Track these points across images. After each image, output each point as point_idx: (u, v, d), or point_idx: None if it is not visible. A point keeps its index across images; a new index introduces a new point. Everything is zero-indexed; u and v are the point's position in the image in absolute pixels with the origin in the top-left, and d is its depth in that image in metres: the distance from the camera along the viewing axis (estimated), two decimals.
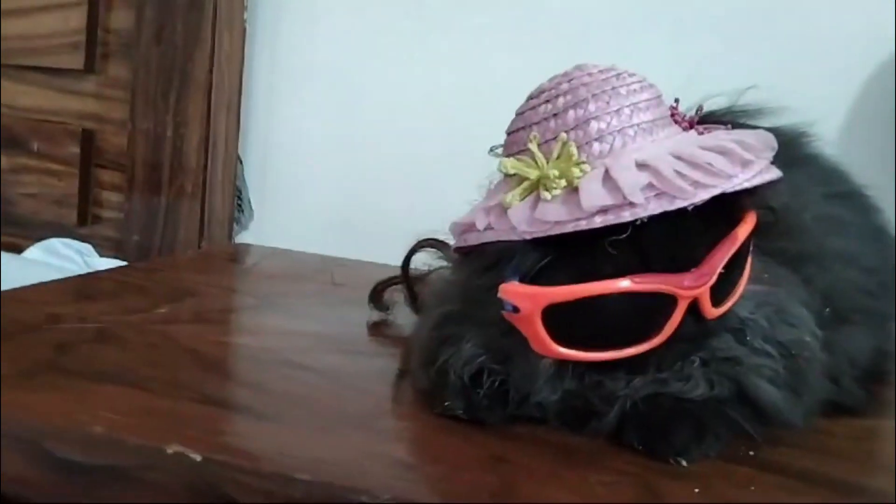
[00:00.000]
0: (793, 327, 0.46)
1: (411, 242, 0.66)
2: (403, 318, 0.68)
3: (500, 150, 0.59)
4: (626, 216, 0.40)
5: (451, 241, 0.64)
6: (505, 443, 0.44)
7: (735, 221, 0.44)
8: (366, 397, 0.52)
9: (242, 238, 1.01)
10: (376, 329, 0.68)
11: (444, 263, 0.65)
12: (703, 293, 0.42)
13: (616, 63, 0.48)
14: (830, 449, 0.47)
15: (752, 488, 0.41)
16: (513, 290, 0.42)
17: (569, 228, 0.41)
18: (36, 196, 1.04)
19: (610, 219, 0.40)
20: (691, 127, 0.48)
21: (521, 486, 0.40)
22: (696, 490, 0.40)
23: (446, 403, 0.47)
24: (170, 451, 0.40)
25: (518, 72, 0.89)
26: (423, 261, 0.67)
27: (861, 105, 0.81)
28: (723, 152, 0.43)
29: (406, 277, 0.66)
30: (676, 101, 0.49)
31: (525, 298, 0.42)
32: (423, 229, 0.65)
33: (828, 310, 0.49)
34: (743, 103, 0.57)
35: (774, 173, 0.44)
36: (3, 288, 0.66)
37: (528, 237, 0.42)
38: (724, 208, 0.43)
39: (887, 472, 0.44)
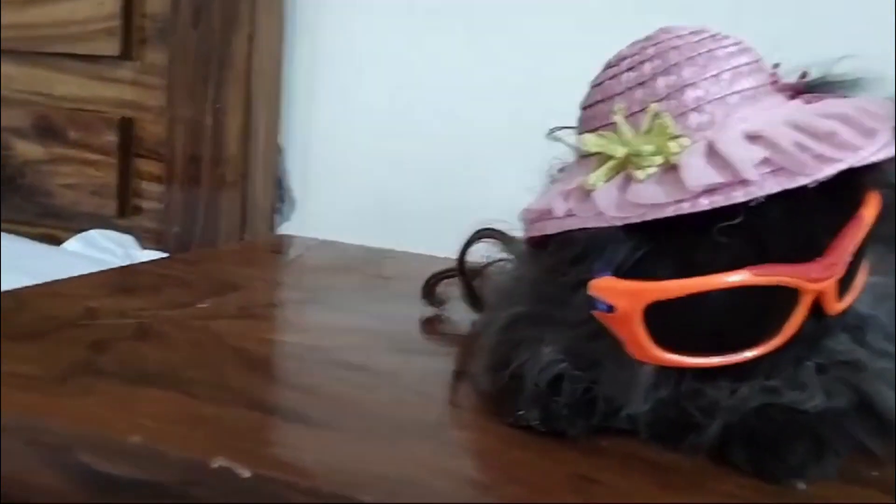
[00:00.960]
0: None
1: (463, 233, 0.61)
2: (459, 314, 0.64)
3: (560, 133, 0.54)
4: (739, 196, 0.34)
5: (512, 231, 0.60)
6: (590, 459, 0.39)
7: (857, 202, 0.38)
8: (426, 403, 0.47)
9: (285, 229, 0.98)
10: (430, 326, 0.63)
11: (506, 256, 0.60)
12: (830, 286, 0.36)
13: None
14: None
15: None
16: (607, 287, 0.37)
17: (669, 212, 0.35)
18: (74, 187, 1.01)
19: (718, 200, 0.35)
20: (796, 95, 0.42)
21: None
22: None
23: (520, 412, 0.41)
24: (215, 465, 0.36)
25: (571, 53, 0.86)
26: (481, 253, 0.62)
27: None
28: (845, 121, 0.37)
29: (462, 271, 0.61)
30: (776, 66, 0.43)
31: (623, 295, 0.37)
32: (475, 219, 0.61)
33: None
34: (837, 73, 0.51)
35: None
36: (41, 281, 0.63)
37: (619, 223, 0.37)
38: (845, 187, 0.37)
39: None
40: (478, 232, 0.60)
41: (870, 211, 0.38)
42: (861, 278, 0.40)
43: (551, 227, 0.40)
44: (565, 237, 0.39)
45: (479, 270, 0.62)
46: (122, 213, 1.00)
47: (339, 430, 0.41)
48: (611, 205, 0.37)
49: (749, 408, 0.38)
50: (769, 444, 0.38)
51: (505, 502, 0.35)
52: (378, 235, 0.90)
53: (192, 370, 0.48)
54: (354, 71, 0.95)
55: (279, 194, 0.97)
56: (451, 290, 0.65)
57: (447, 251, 0.78)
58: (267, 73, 0.92)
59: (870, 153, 0.36)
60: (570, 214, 0.39)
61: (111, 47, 0.97)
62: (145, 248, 0.96)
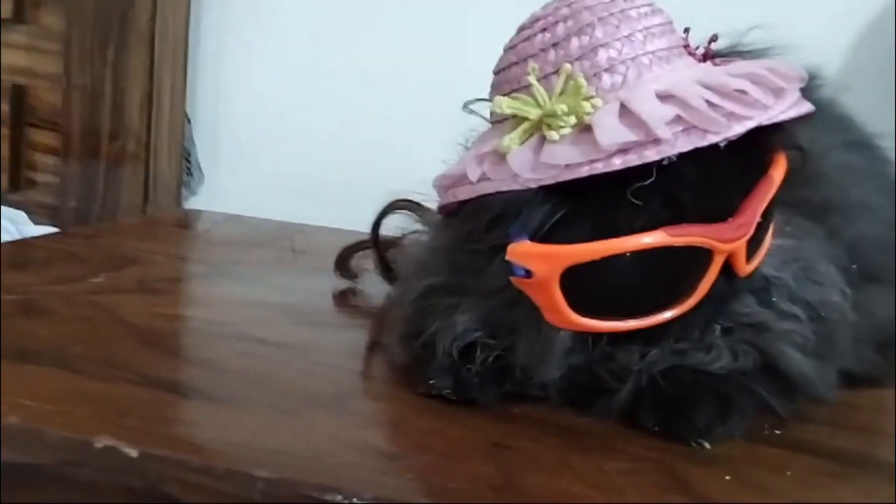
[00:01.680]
0: (820, 286, 0.41)
1: (379, 205, 0.59)
2: (373, 286, 0.62)
3: (476, 105, 0.53)
4: (651, 155, 0.34)
5: (427, 202, 0.58)
6: (502, 426, 0.38)
7: (766, 163, 0.38)
8: (335, 375, 0.45)
9: (192, 204, 0.93)
10: (343, 299, 0.61)
11: (420, 227, 0.58)
12: (741, 247, 0.36)
13: None
14: (861, 425, 0.42)
15: (789, 473, 0.36)
16: (525, 251, 0.36)
17: (584, 172, 0.35)
18: None
19: (632, 159, 0.34)
20: (706, 59, 0.42)
21: (526, 477, 0.34)
22: (728, 477, 0.35)
23: (431, 381, 0.40)
24: (99, 444, 0.33)
25: (490, 24, 0.85)
26: (396, 225, 0.61)
27: (861, 51, 0.76)
28: (755, 80, 0.36)
29: (376, 242, 0.59)
30: (687, 30, 0.43)
31: (540, 260, 0.36)
32: (390, 193, 0.59)
33: (854, 266, 0.43)
34: (748, 42, 0.51)
35: (807, 106, 0.38)
36: None
37: (533, 185, 0.36)
38: (754, 147, 0.37)
39: None
40: (392, 203, 0.58)
41: (778, 171, 0.38)
42: (768, 241, 0.40)
43: (464, 193, 0.38)
44: (480, 202, 0.38)
45: (394, 242, 0.60)
46: (14, 186, 0.93)
47: (242, 406, 0.39)
48: (525, 167, 0.36)
49: (657, 370, 0.38)
50: (677, 406, 0.38)
51: (414, 471, 0.33)
52: (291, 210, 0.87)
53: (80, 346, 0.44)
54: (267, 36, 0.91)
55: (185, 167, 0.93)
56: (365, 262, 0.63)
57: (362, 225, 0.76)
58: (172, 36, 0.87)
59: (779, 111, 0.36)
60: (484, 178, 0.37)
61: (3, 9, 0.90)
62: (38, 223, 0.90)
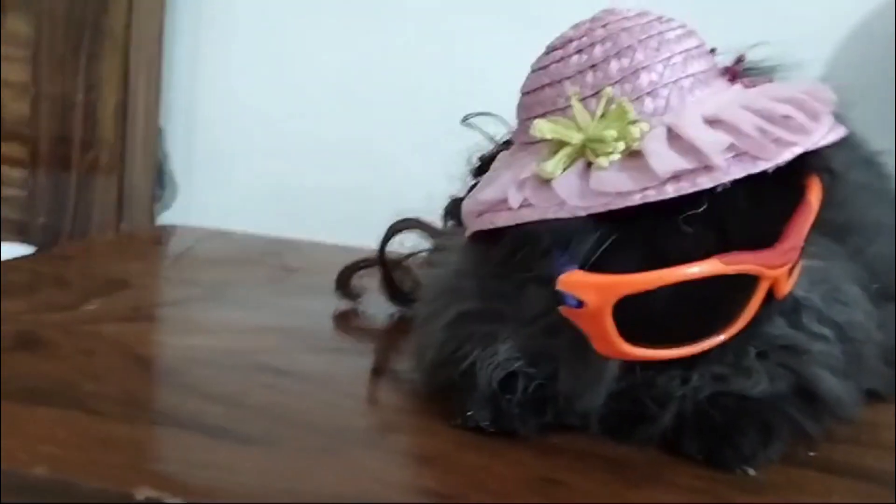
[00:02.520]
0: (847, 306, 0.41)
1: (368, 220, 0.57)
2: (375, 307, 0.61)
3: (474, 120, 0.52)
4: (705, 182, 0.34)
5: (433, 220, 0.57)
6: (547, 460, 0.37)
7: (803, 187, 0.38)
8: (363, 407, 0.44)
9: (164, 218, 0.90)
10: (346, 321, 0.60)
11: (430, 246, 0.57)
12: (785, 272, 0.37)
13: None
14: (886, 443, 0.42)
15: (835, 497, 0.36)
16: (577, 281, 0.35)
17: (636, 200, 0.34)
18: None
19: (685, 186, 0.34)
20: (734, 79, 0.42)
21: None
22: None
23: (469, 413, 0.39)
24: (140, 497, 0.31)
25: (480, 36, 0.84)
26: (399, 243, 0.59)
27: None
28: (798, 105, 0.36)
29: (384, 262, 0.58)
30: (713, 50, 0.43)
31: (593, 290, 0.35)
32: (379, 206, 0.58)
33: (876, 286, 0.44)
34: (756, 59, 0.52)
35: (843, 130, 0.39)
36: None
37: (583, 213, 0.35)
38: (793, 172, 0.37)
39: None
40: (399, 222, 0.57)
41: (815, 195, 0.38)
42: (798, 262, 0.40)
43: (504, 219, 0.37)
44: (524, 229, 0.37)
45: (399, 262, 0.59)
46: None
47: (277, 446, 0.37)
48: (573, 194, 0.35)
49: (701, 396, 0.38)
50: (721, 433, 0.38)
51: None
52: (274, 224, 0.85)
53: (90, 384, 0.42)
54: (243, 45, 0.88)
55: (159, 180, 0.90)
56: (366, 281, 0.62)
57: (350, 239, 0.75)
58: (146, 45, 0.84)
59: (820, 136, 0.36)
60: (526, 205, 0.36)
61: None
62: (4, 241, 0.86)
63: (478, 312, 0.41)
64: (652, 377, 0.38)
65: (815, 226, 0.42)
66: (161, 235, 0.85)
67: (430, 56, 0.85)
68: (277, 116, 0.89)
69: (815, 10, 0.78)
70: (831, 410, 0.40)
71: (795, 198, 0.38)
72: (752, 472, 0.37)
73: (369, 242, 0.61)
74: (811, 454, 0.39)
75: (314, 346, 0.52)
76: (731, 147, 0.34)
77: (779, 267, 0.36)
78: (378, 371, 0.50)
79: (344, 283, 0.62)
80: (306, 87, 0.88)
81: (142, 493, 0.31)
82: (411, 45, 0.85)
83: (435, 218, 0.57)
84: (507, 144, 0.45)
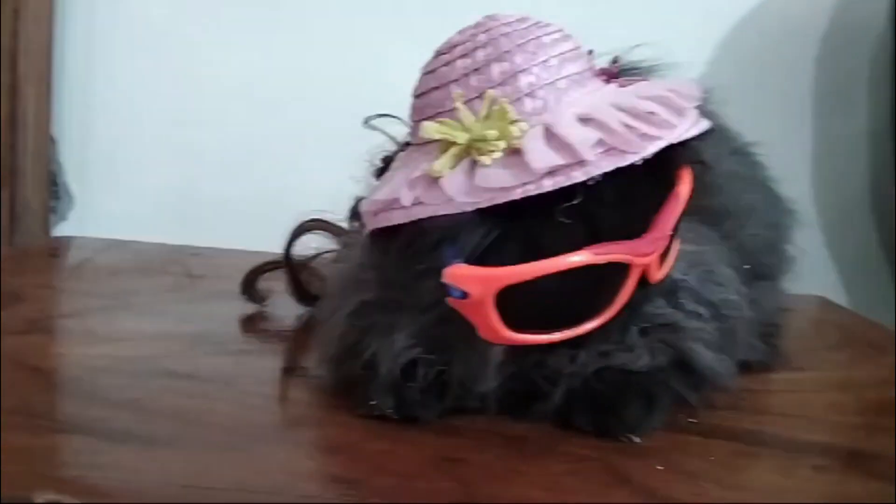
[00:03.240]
0: (721, 286, 0.45)
1: (271, 225, 0.58)
2: (282, 309, 0.61)
3: (376, 122, 0.54)
4: (579, 176, 0.36)
5: (339, 221, 0.59)
6: (449, 441, 0.39)
7: (673, 178, 0.42)
8: (269, 404, 0.44)
9: (61, 230, 0.88)
10: (253, 324, 0.60)
11: (336, 246, 0.58)
12: (655, 259, 0.40)
13: None
14: (760, 407, 0.47)
15: (712, 458, 0.39)
16: (461, 274, 0.37)
17: (517, 194, 0.36)
18: None
19: (561, 180, 0.36)
20: (610, 79, 0.45)
21: (483, 488, 0.35)
22: (660, 467, 0.38)
23: (373, 402, 0.41)
24: (40, 500, 0.31)
25: (378, 35, 0.85)
26: (305, 245, 0.60)
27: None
28: (661, 101, 0.39)
29: (290, 263, 0.59)
30: (590, 52, 0.46)
31: (476, 282, 0.37)
32: (283, 211, 0.59)
33: (747, 267, 0.48)
34: (633, 60, 0.55)
35: (705, 123, 0.42)
36: None
37: (469, 208, 0.37)
38: (662, 165, 0.40)
39: (823, 426, 0.44)
40: (304, 223, 0.58)
41: (685, 187, 0.41)
42: (675, 247, 0.44)
43: (399, 217, 0.39)
44: (417, 226, 0.38)
45: (305, 263, 0.60)
46: None
47: (179, 446, 0.38)
48: (460, 191, 0.37)
49: (588, 372, 0.41)
50: (607, 405, 0.41)
51: (378, 494, 0.34)
52: (173, 232, 0.84)
53: None
54: (138, 51, 0.87)
55: (53, 191, 0.87)
56: (272, 284, 0.62)
57: (254, 244, 0.75)
58: (35, 53, 0.81)
59: (683, 130, 0.39)
60: (418, 203, 0.38)
61: None
62: None
63: (378, 302, 0.42)
64: (542, 358, 0.41)
65: (692, 212, 0.45)
66: (57, 248, 0.82)
67: (330, 60, 0.86)
68: (175, 123, 0.88)
69: (692, 13, 0.84)
70: (708, 381, 0.44)
71: (665, 190, 0.41)
72: (637, 439, 0.40)
73: (275, 247, 0.61)
74: (692, 421, 0.43)
75: (220, 350, 0.52)
76: (600, 142, 0.37)
77: (648, 255, 0.39)
78: (286, 370, 0.51)
79: (249, 286, 0.62)
80: (204, 93, 0.87)
81: (42, 496, 0.31)
82: (311, 50, 0.86)
83: (341, 220, 0.58)
84: (407, 145, 0.47)
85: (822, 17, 0.85)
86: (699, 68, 0.83)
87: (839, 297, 0.85)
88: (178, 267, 0.73)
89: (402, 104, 0.46)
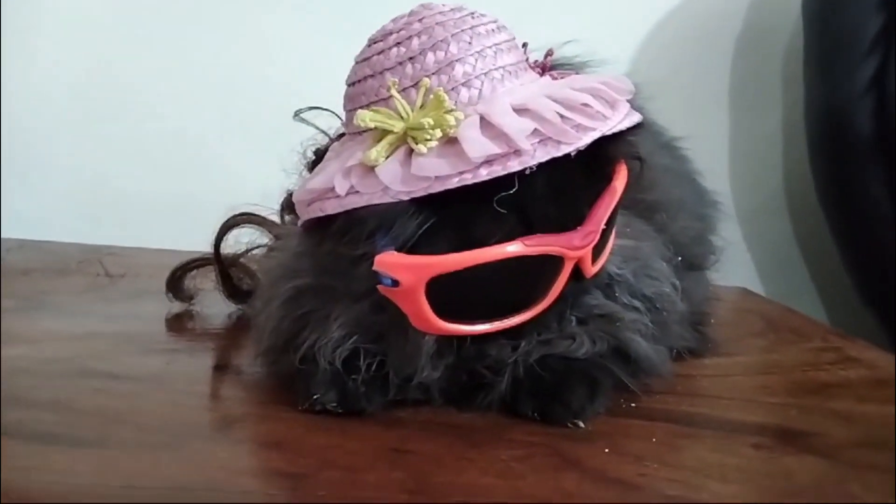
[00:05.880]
0: (655, 280, 0.46)
1: (192, 222, 0.56)
2: (210, 307, 0.59)
3: (306, 115, 0.53)
4: (515, 166, 0.36)
5: (270, 215, 0.57)
6: (395, 432, 0.39)
7: (609, 173, 0.42)
8: (204, 402, 0.43)
9: None
10: (179, 322, 0.58)
11: (267, 241, 0.57)
12: (588, 253, 0.40)
13: None
14: (694, 391, 0.47)
15: (654, 440, 0.40)
16: (392, 262, 0.37)
17: (454, 183, 0.36)
18: None
19: (497, 170, 0.36)
20: (544, 72, 0.45)
21: (433, 477, 0.34)
22: (607, 450, 0.38)
23: (315, 396, 0.40)
24: None
25: (301, 26, 0.84)
26: (235, 241, 0.58)
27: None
28: (594, 93, 0.40)
29: (219, 259, 0.57)
30: (525, 45, 0.46)
31: (407, 270, 0.37)
32: (214, 208, 0.57)
33: (679, 259, 0.49)
34: (566, 56, 0.56)
35: (637, 116, 0.42)
36: None
37: (405, 197, 0.36)
38: (596, 158, 0.40)
39: (756, 407, 0.46)
40: (234, 217, 0.56)
41: (620, 181, 0.42)
42: (611, 242, 0.44)
43: (332, 206, 0.38)
44: (352, 215, 0.38)
45: (235, 259, 0.58)
46: None
47: (110, 446, 0.36)
48: (395, 179, 0.36)
49: (531, 361, 0.41)
50: (552, 392, 0.41)
51: (324, 487, 0.33)
52: (85, 232, 0.80)
53: None
54: (49, 43, 0.83)
55: None
56: (199, 282, 0.60)
57: (171, 243, 0.72)
58: None
59: (616, 122, 0.40)
60: (353, 192, 0.37)
61: None
62: None
63: (312, 288, 0.41)
64: (484, 349, 0.41)
65: (629, 206, 0.46)
66: None
67: (251, 52, 0.84)
68: (89, 120, 0.84)
69: (616, 13, 0.86)
70: (644, 368, 0.44)
71: (600, 183, 0.41)
72: (581, 424, 0.40)
73: (193, 245, 0.59)
74: (633, 405, 0.43)
75: (147, 349, 0.50)
76: (535, 132, 0.37)
77: (581, 248, 0.39)
78: (218, 368, 0.49)
79: (175, 284, 0.60)
80: (119, 86, 0.84)
81: None
82: (233, 41, 0.84)
83: (272, 214, 0.56)
84: (340, 137, 0.46)
85: (737, 17, 0.89)
86: (622, 66, 0.85)
87: (756, 286, 0.88)
88: (93, 266, 0.69)
89: (334, 95, 0.45)
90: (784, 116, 0.91)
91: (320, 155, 0.47)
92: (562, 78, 0.44)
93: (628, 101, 0.44)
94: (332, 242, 0.39)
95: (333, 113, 0.49)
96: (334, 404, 0.40)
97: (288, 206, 0.53)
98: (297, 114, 0.53)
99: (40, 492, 0.31)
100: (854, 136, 0.76)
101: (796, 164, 0.88)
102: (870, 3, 0.76)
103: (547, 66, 0.45)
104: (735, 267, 0.78)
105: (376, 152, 0.37)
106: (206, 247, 0.58)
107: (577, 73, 0.46)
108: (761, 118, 0.91)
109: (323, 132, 0.52)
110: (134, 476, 0.33)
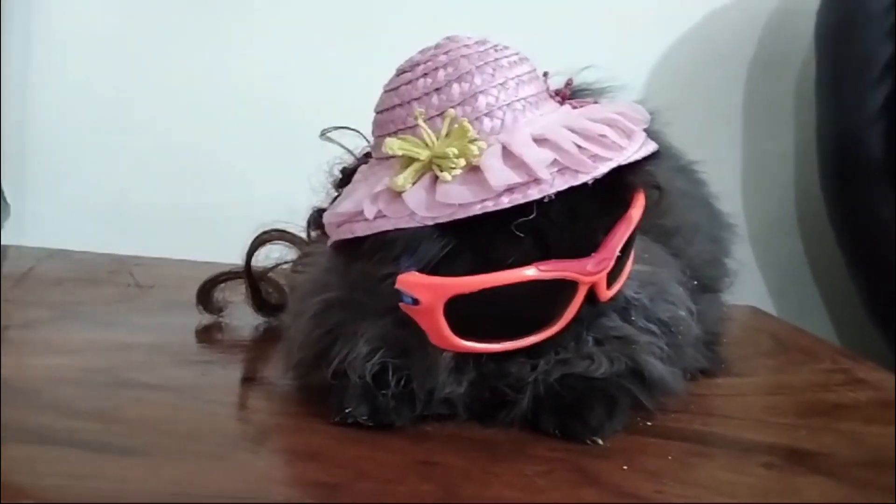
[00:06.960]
0: (672, 305, 0.47)
1: (218, 234, 0.59)
2: (239, 319, 0.61)
3: (332, 134, 0.55)
4: (534, 194, 0.38)
5: (298, 231, 0.59)
6: (424, 445, 0.41)
7: (626, 201, 0.44)
8: (240, 413, 0.45)
9: None
10: (209, 334, 0.60)
11: (295, 257, 0.59)
12: (602, 278, 0.42)
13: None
14: (707, 410, 0.49)
15: (670, 457, 0.42)
16: (413, 281, 0.39)
17: (476, 210, 0.38)
18: None
19: (517, 198, 0.38)
20: (564, 101, 0.47)
21: (461, 490, 0.36)
22: (625, 467, 0.40)
23: (347, 410, 0.42)
24: None
25: (335, 50, 0.86)
26: (265, 255, 0.61)
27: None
28: (610, 124, 0.42)
29: (250, 273, 0.59)
30: (545, 74, 0.48)
31: (427, 290, 0.39)
32: (240, 223, 0.59)
33: (695, 282, 0.51)
34: (585, 82, 0.58)
35: (653, 145, 0.44)
36: None
37: (430, 223, 0.39)
38: (613, 186, 0.42)
39: (766, 427, 0.47)
40: (265, 233, 0.58)
41: (637, 210, 0.44)
42: (628, 267, 0.46)
43: (361, 229, 0.40)
44: (380, 238, 0.40)
45: (264, 273, 0.60)
46: None
47: (157, 455, 0.38)
48: (421, 205, 0.39)
49: (552, 380, 0.43)
50: (572, 410, 0.43)
51: (359, 497, 0.35)
52: (115, 242, 0.82)
53: None
54: (76, 56, 0.85)
55: None
56: (227, 294, 0.62)
57: (200, 254, 0.75)
58: None
59: (632, 152, 0.42)
60: (380, 216, 0.40)
61: None
62: None
63: (341, 301, 0.43)
64: (504, 367, 0.43)
65: (647, 231, 0.48)
66: None
67: (284, 73, 0.86)
68: (114, 130, 0.86)
69: (630, 39, 0.88)
70: (659, 389, 0.46)
71: (616, 211, 0.43)
72: (600, 441, 0.42)
73: (219, 257, 0.61)
74: (649, 423, 0.45)
75: (181, 360, 0.52)
76: (554, 162, 0.39)
77: (594, 274, 0.41)
78: (249, 380, 0.51)
79: (205, 296, 0.62)
80: (147, 99, 0.86)
81: None
82: (265, 62, 0.86)
83: (298, 229, 0.59)
84: (367, 157, 0.48)
85: (751, 42, 0.91)
86: (636, 90, 0.87)
87: (767, 305, 0.90)
88: (123, 277, 0.72)
89: (360, 115, 0.47)
90: (796, 139, 0.93)
91: (347, 174, 0.49)
92: (581, 107, 0.46)
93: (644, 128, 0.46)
94: (362, 262, 0.41)
95: (359, 133, 0.51)
96: (365, 418, 0.42)
97: (314, 221, 0.55)
98: (323, 133, 0.55)
99: (97, 499, 0.33)
100: (865, 159, 0.78)
101: (808, 186, 0.90)
102: (881, 30, 0.78)
103: (567, 95, 0.47)
104: (746, 286, 0.80)
105: (403, 178, 0.40)
106: (228, 258, 0.60)
107: (595, 101, 0.48)
108: (773, 140, 0.93)
109: (349, 151, 0.54)
110: (181, 484, 0.35)
